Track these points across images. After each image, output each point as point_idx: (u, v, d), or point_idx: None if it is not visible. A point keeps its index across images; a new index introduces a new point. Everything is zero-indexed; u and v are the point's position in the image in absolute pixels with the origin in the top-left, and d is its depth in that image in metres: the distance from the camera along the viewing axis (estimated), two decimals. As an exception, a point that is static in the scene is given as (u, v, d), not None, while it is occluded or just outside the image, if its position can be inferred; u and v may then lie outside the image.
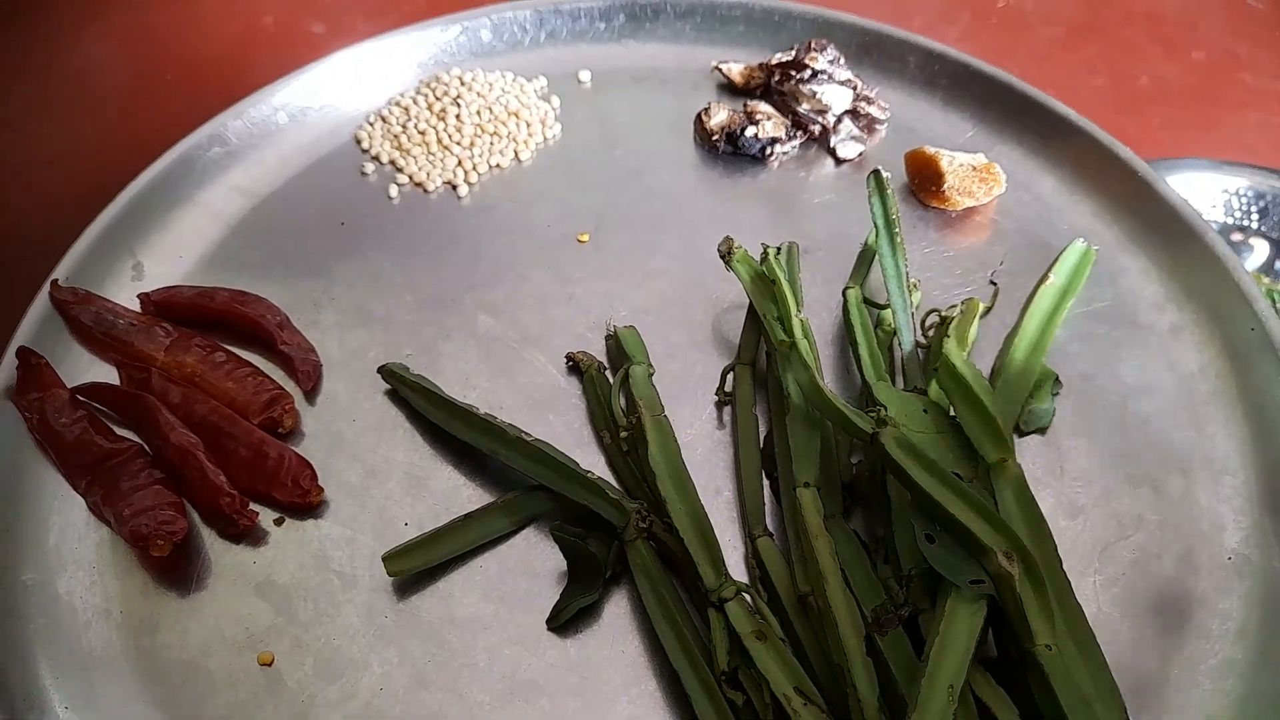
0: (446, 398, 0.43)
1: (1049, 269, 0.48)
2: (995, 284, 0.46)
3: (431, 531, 0.40)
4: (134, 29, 0.88)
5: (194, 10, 0.90)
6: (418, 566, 0.39)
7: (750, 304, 0.44)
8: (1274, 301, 0.84)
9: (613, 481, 0.42)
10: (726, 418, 0.44)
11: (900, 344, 0.44)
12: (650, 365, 0.44)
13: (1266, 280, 0.85)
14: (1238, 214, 0.88)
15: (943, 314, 0.45)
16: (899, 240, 0.44)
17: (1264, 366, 0.45)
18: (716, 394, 0.44)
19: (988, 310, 0.46)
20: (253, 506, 0.41)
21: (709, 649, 0.35)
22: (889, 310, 0.45)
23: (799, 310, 0.41)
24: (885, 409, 0.37)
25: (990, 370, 0.45)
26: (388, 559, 0.39)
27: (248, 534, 0.41)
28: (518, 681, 0.37)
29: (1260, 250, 0.89)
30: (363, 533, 0.41)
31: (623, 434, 0.42)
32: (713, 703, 0.34)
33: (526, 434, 0.41)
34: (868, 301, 0.46)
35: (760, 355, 0.45)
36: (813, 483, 0.38)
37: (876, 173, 0.45)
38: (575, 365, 0.46)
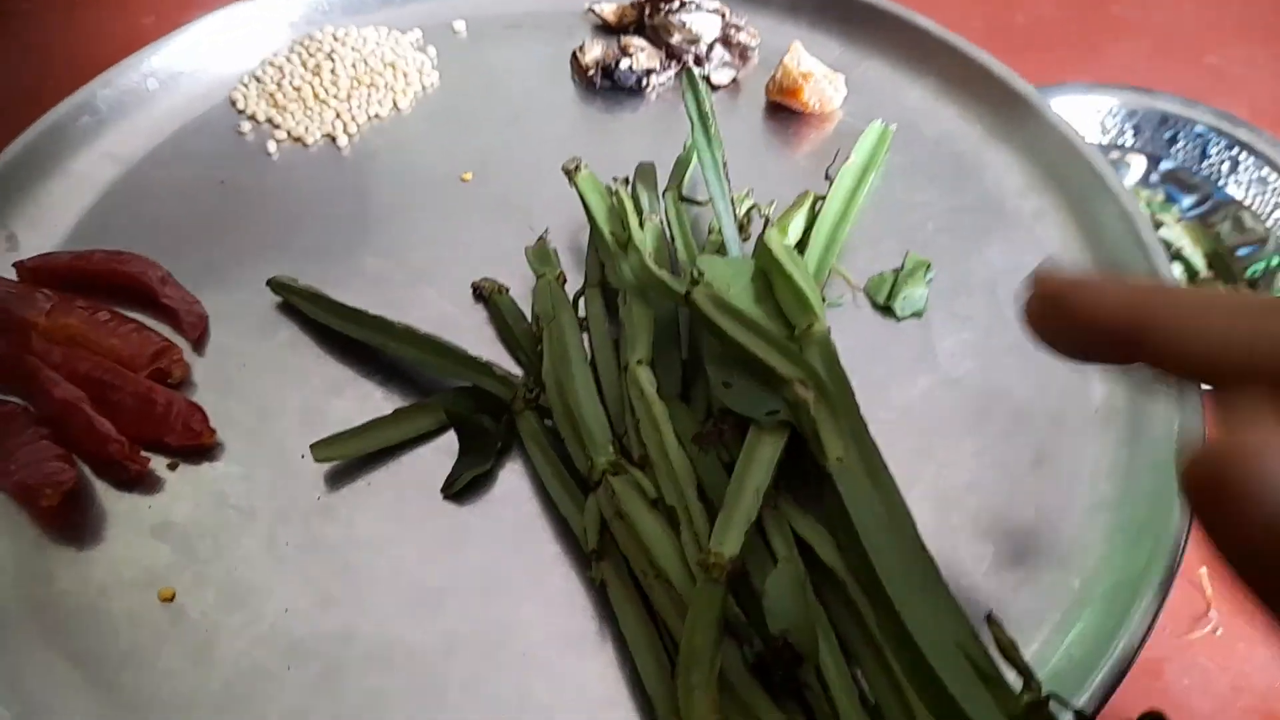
0: (335, 301, 0.44)
1: (853, 149, 0.50)
2: (830, 179, 0.48)
3: (360, 425, 0.41)
4: (15, 50, 0.86)
5: (72, 21, 0.88)
6: (346, 455, 0.40)
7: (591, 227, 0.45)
8: (1152, 211, 0.88)
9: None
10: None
11: (723, 234, 0.45)
12: (564, 274, 0.45)
13: (1145, 193, 0.89)
14: (1113, 133, 0.92)
15: (763, 210, 0.47)
16: (714, 133, 0.46)
17: (1118, 237, 0.47)
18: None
19: (819, 200, 0.48)
20: (144, 453, 0.41)
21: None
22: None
23: (641, 217, 0.43)
24: (702, 273, 0.39)
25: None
26: (315, 446, 0.40)
27: (141, 481, 0.41)
28: (425, 590, 0.38)
29: (1137, 165, 0.94)
30: (259, 468, 0.41)
31: (537, 349, 0.43)
32: (609, 558, 0.36)
33: (415, 326, 0.42)
34: (685, 199, 0.48)
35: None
36: (644, 359, 0.39)
37: (687, 69, 0.47)
38: (480, 293, 0.47)
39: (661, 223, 0.47)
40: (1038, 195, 0.51)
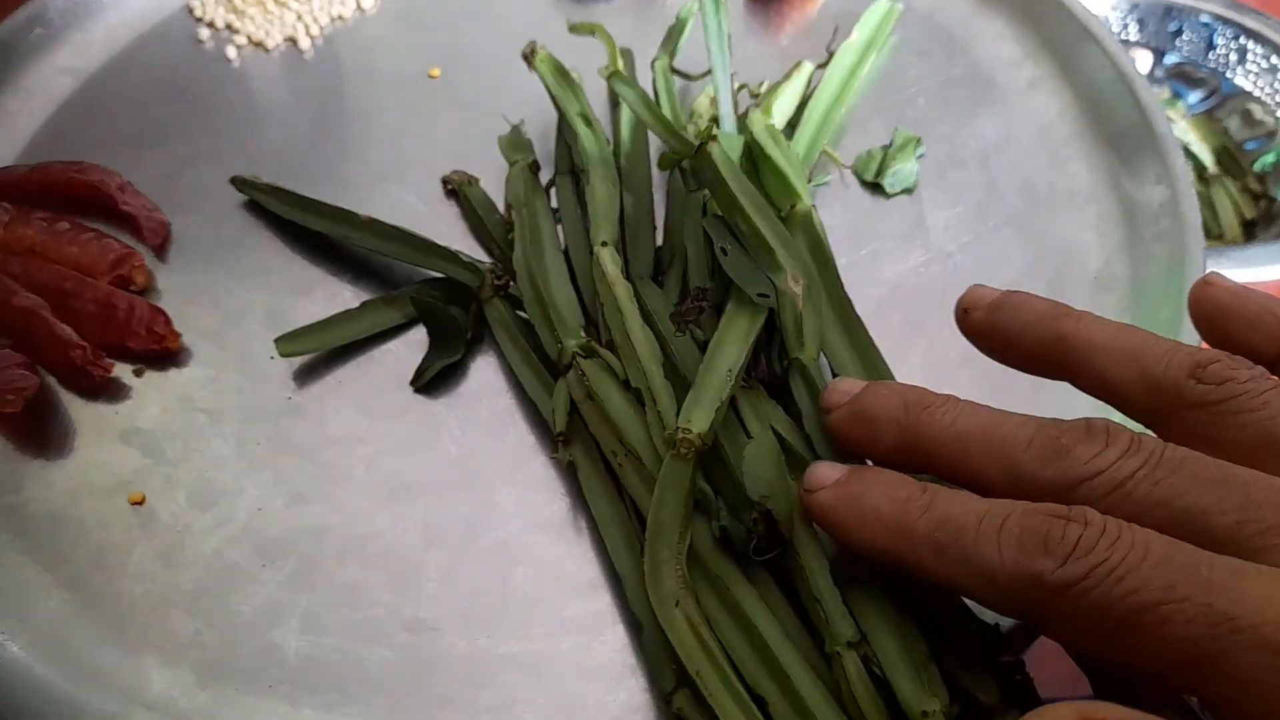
0: (298, 194, 0.43)
1: (853, 27, 0.47)
2: (830, 52, 0.46)
3: (326, 319, 0.40)
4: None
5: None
6: (311, 349, 0.39)
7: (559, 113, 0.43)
8: (1158, 104, 0.84)
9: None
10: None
11: (719, 102, 0.43)
12: (536, 162, 0.44)
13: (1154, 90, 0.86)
14: (1116, 27, 0.88)
15: (752, 90, 0.46)
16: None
17: (1116, 101, 0.45)
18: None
19: (818, 68, 0.46)
20: (108, 360, 0.40)
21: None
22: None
23: (619, 59, 0.42)
24: (716, 130, 0.37)
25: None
26: (280, 340, 0.39)
27: (107, 388, 0.39)
28: (398, 485, 0.37)
29: (1142, 60, 0.90)
30: (227, 371, 0.40)
31: (509, 237, 0.41)
32: (579, 440, 0.35)
33: (380, 220, 0.41)
34: (676, 71, 0.46)
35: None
36: (610, 242, 0.38)
37: None
38: (451, 188, 0.45)
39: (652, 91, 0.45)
40: (1033, 64, 0.48)
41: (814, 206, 0.38)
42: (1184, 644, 0.20)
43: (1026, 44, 0.49)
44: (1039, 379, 0.28)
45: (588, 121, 0.43)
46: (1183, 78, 0.89)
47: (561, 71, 0.44)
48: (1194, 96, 0.88)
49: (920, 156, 0.45)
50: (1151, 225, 0.41)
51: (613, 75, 0.42)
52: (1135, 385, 0.25)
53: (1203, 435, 0.23)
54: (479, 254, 0.43)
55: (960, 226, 0.43)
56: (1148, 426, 0.25)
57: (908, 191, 0.44)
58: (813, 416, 0.32)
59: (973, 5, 0.51)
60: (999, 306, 0.29)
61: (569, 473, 0.36)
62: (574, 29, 0.46)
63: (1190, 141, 0.86)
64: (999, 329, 0.28)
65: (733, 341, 0.33)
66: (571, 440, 0.35)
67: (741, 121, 0.44)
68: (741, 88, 0.47)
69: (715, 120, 0.44)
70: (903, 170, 0.44)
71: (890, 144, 0.46)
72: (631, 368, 0.34)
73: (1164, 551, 0.21)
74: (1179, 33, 0.88)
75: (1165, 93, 0.89)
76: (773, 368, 0.35)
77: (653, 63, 0.47)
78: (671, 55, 0.47)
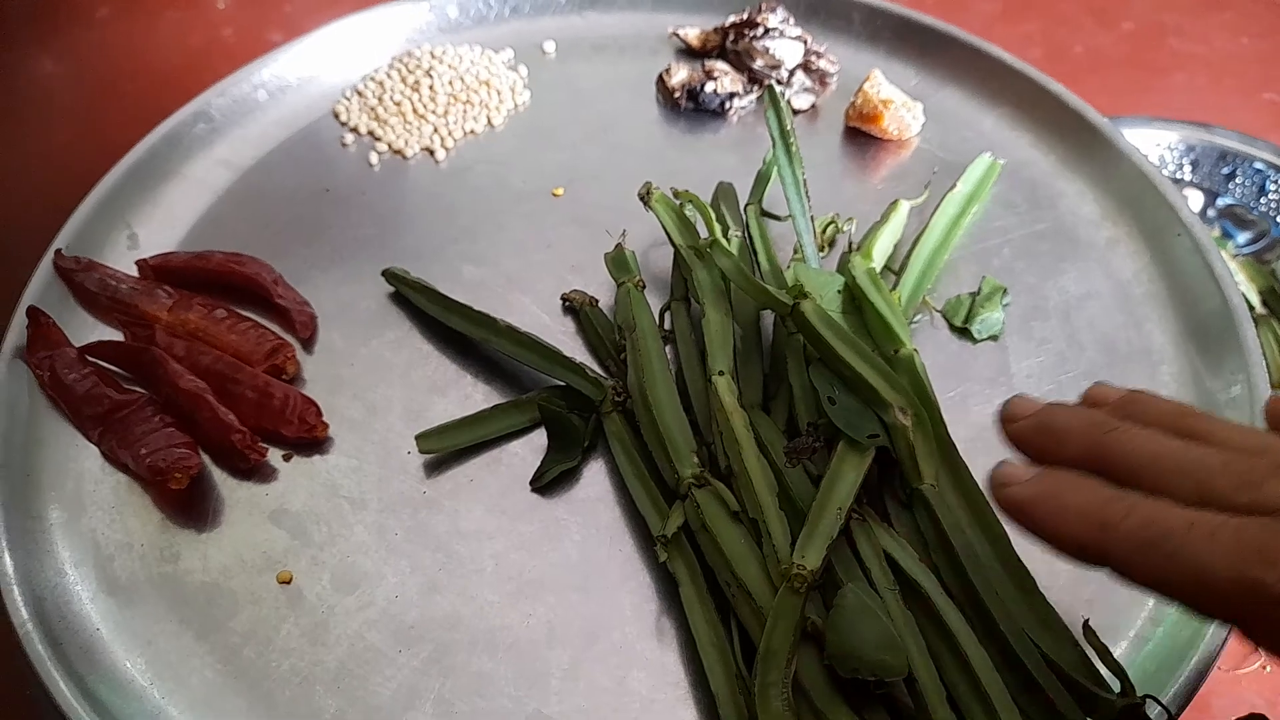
0: (444, 294, 0.48)
1: (957, 179, 0.52)
2: (928, 188, 0.51)
3: (461, 418, 0.44)
4: (92, 45, 0.90)
5: (152, 25, 0.92)
6: (447, 447, 0.43)
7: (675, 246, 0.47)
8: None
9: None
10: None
11: (802, 248, 0.47)
12: (642, 280, 0.47)
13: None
14: (1171, 167, 0.93)
15: (838, 223, 0.51)
16: (795, 150, 0.48)
17: (1191, 267, 0.49)
18: (660, 332, 0.46)
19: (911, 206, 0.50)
20: (262, 444, 0.43)
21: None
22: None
23: (722, 229, 0.46)
24: (804, 286, 0.41)
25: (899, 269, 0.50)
26: (420, 438, 0.43)
27: (258, 470, 0.43)
28: (524, 582, 0.40)
29: (1194, 200, 0.95)
30: (368, 462, 0.44)
31: (621, 357, 0.45)
32: (683, 558, 0.38)
33: (516, 325, 0.45)
34: (766, 213, 0.51)
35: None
36: (726, 371, 0.41)
37: (769, 88, 0.49)
38: (570, 305, 0.49)
39: (744, 236, 0.49)
40: (1111, 225, 0.52)
41: (915, 351, 0.41)
42: None
43: (1105, 205, 0.53)
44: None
45: (700, 255, 0.46)
46: (1233, 218, 0.93)
47: (675, 210, 0.48)
48: (1243, 237, 0.92)
49: (1006, 305, 0.49)
50: (1224, 392, 0.44)
51: (713, 245, 0.45)
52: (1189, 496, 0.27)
53: None
54: (596, 366, 0.47)
55: (1043, 375, 0.46)
56: None
57: (994, 338, 0.48)
58: (936, 543, 0.36)
59: (1056, 165, 0.55)
60: (1042, 416, 0.31)
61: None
62: (675, 195, 0.50)
63: (1239, 281, 0.90)
64: (1043, 438, 0.31)
65: (844, 480, 0.37)
66: (672, 550, 0.38)
67: (843, 260, 0.48)
68: (831, 223, 0.51)
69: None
70: (990, 318, 0.48)
71: (979, 291, 0.50)
72: (747, 497, 0.37)
73: None
74: (1232, 176, 0.92)
75: (1215, 231, 0.93)
76: (896, 495, 0.38)
77: (745, 207, 0.51)
78: (760, 200, 0.51)
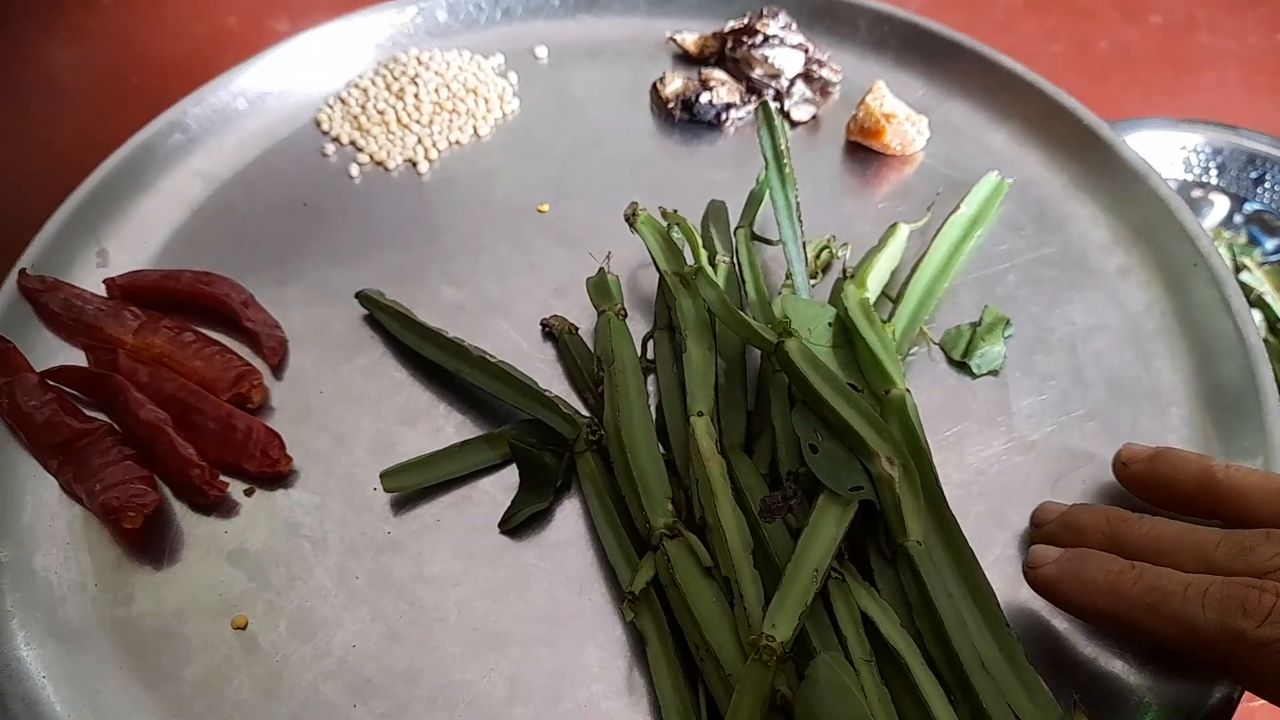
0: (418, 320, 0.46)
1: (961, 200, 0.49)
2: (930, 210, 0.48)
3: (427, 454, 0.42)
4: (99, 34, 0.88)
5: (158, 14, 0.90)
6: (413, 485, 0.41)
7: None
8: (1233, 254, 0.85)
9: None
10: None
11: (793, 274, 0.45)
12: (624, 308, 0.45)
13: (1227, 234, 0.87)
14: (1196, 170, 0.89)
15: (833, 247, 0.48)
16: (788, 173, 0.46)
17: (1206, 301, 0.46)
18: (640, 360, 0.44)
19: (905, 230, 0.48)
20: (223, 478, 0.42)
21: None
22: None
23: (705, 256, 0.43)
24: (790, 323, 0.39)
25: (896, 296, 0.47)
26: (385, 475, 0.41)
27: (219, 505, 0.42)
28: (489, 633, 0.38)
29: (1220, 205, 0.91)
30: (332, 499, 0.42)
31: (599, 389, 0.43)
32: (651, 614, 0.36)
33: (489, 355, 0.43)
34: (757, 237, 0.48)
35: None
36: (706, 412, 0.39)
37: (764, 104, 0.47)
38: (550, 331, 0.47)
39: (732, 262, 0.47)
40: (1124, 252, 0.49)
41: (908, 391, 0.39)
42: None
43: (1118, 230, 0.50)
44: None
45: (686, 283, 0.44)
46: (1261, 225, 0.89)
47: (662, 232, 0.46)
48: (1271, 244, 0.89)
49: (1009, 337, 0.47)
50: (1238, 441, 0.41)
51: (698, 273, 0.43)
52: None
53: None
54: (573, 397, 0.45)
55: (1044, 414, 0.44)
56: None
57: (994, 373, 0.45)
58: (920, 605, 0.34)
59: (1067, 184, 0.52)
60: (1157, 458, 0.37)
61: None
62: (664, 215, 0.47)
63: (1265, 291, 0.86)
64: (1158, 477, 0.37)
65: (821, 539, 0.35)
66: (641, 607, 0.36)
67: (837, 287, 0.46)
68: (825, 247, 0.49)
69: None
70: (991, 352, 0.46)
71: (980, 321, 0.47)
72: (720, 552, 0.35)
73: None
74: (1260, 180, 0.89)
75: (1242, 238, 0.89)
76: (880, 549, 0.36)
77: (735, 230, 0.48)
78: (751, 223, 0.49)
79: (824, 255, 0.49)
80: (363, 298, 0.48)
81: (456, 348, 0.44)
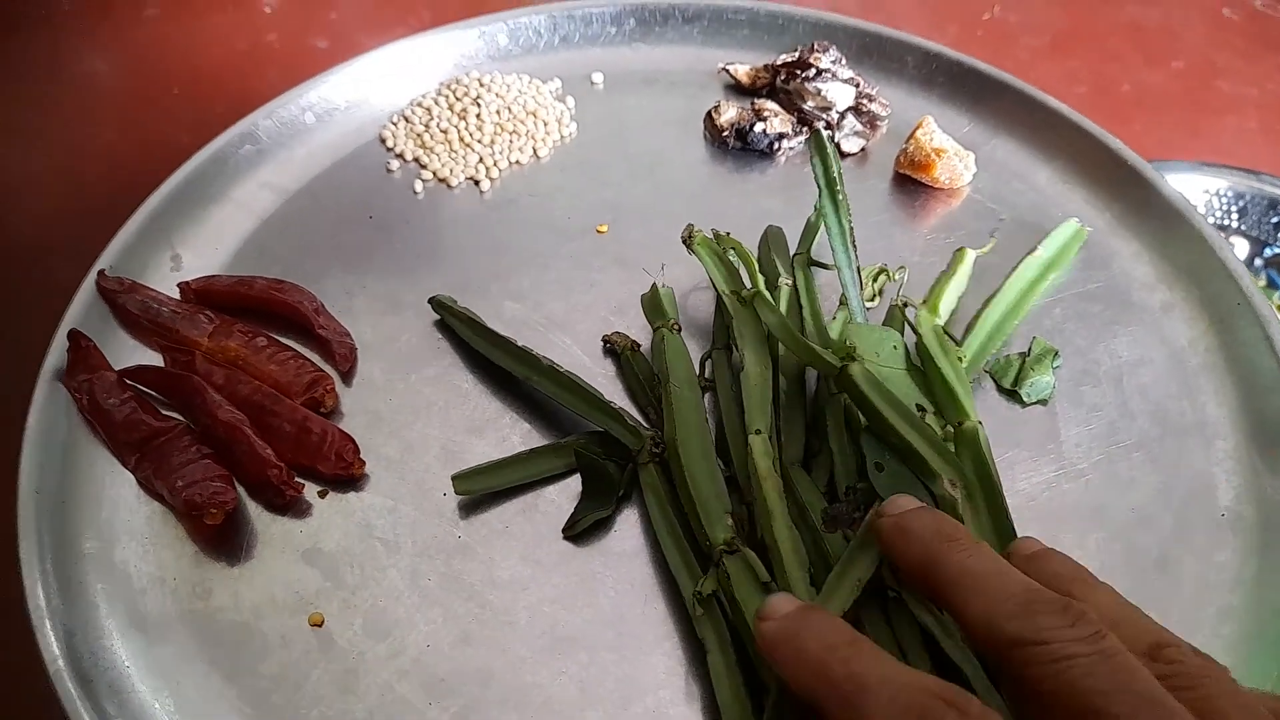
0: (489, 327, 0.47)
1: (1039, 243, 0.51)
2: (994, 237, 0.50)
3: (497, 460, 0.43)
4: (139, 44, 0.90)
5: (198, 27, 0.92)
6: (482, 489, 0.43)
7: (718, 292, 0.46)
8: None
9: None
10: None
11: (848, 299, 0.46)
12: (678, 323, 0.46)
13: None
14: (1219, 214, 0.91)
15: (890, 271, 0.50)
16: (842, 199, 0.47)
17: (1250, 338, 0.47)
18: (699, 380, 0.46)
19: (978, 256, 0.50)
20: (298, 479, 0.43)
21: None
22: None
23: (768, 278, 0.45)
24: (855, 348, 0.40)
25: (965, 327, 0.49)
26: (456, 478, 0.42)
27: (293, 506, 0.43)
28: (557, 637, 0.39)
29: (1241, 248, 0.93)
30: (404, 503, 0.43)
31: (660, 405, 0.44)
32: (713, 624, 0.37)
33: (558, 364, 0.45)
34: (814, 262, 0.50)
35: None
36: (764, 430, 0.40)
37: (816, 133, 0.48)
38: (611, 347, 0.48)
39: (794, 286, 0.49)
40: (1167, 289, 0.51)
41: (980, 424, 0.40)
42: None
43: (1161, 267, 0.52)
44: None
45: (743, 302, 0.46)
46: (1280, 269, 0.91)
47: (718, 254, 0.47)
48: (1290, 287, 0.90)
49: (1057, 368, 0.48)
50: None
51: (755, 297, 0.44)
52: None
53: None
54: (635, 412, 0.46)
55: (1093, 444, 0.45)
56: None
57: (1043, 403, 0.47)
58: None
59: (1111, 222, 0.54)
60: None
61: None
62: (718, 238, 0.49)
63: (1283, 332, 0.88)
64: (896, 532, 0.33)
65: (870, 549, 0.35)
66: (703, 617, 0.37)
67: (892, 312, 0.47)
68: (882, 271, 0.51)
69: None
70: (1040, 381, 0.47)
71: (1028, 352, 0.48)
72: (777, 569, 0.36)
73: None
74: (1281, 225, 0.91)
75: (1262, 280, 0.91)
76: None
77: (792, 258, 0.50)
78: (808, 250, 0.50)
79: (880, 280, 0.51)
80: (436, 303, 0.49)
81: (527, 355, 0.46)
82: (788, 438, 0.43)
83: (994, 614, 0.27)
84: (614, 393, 0.47)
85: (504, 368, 0.46)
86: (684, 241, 0.47)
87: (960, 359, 0.44)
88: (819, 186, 0.49)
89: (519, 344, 0.46)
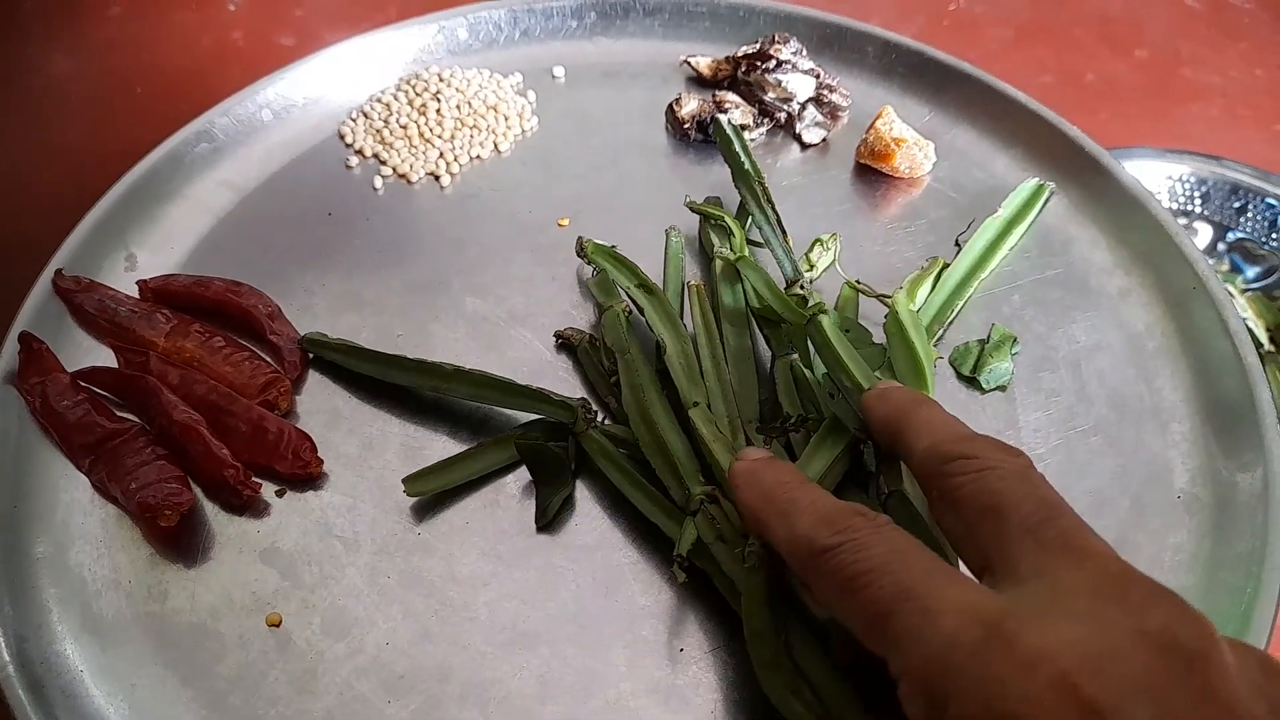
0: (371, 350, 0.46)
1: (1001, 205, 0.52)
2: (959, 245, 0.50)
3: (446, 459, 0.43)
4: (103, 43, 0.89)
5: (163, 25, 0.91)
6: (434, 488, 0.42)
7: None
8: (1219, 281, 0.87)
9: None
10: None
11: (782, 272, 0.48)
12: (626, 304, 0.47)
13: (1211, 262, 0.89)
14: (1181, 199, 0.92)
15: (824, 239, 0.52)
16: (751, 172, 0.50)
17: (1206, 323, 0.48)
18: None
19: (945, 266, 0.50)
20: (255, 479, 0.43)
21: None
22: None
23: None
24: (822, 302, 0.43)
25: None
26: (407, 481, 0.42)
27: (250, 506, 0.42)
28: (518, 632, 0.39)
29: (1203, 233, 0.94)
30: (363, 500, 0.43)
31: (613, 380, 0.44)
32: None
33: (463, 366, 0.44)
34: (750, 241, 0.50)
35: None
36: (701, 400, 0.42)
37: (715, 121, 0.52)
38: (565, 342, 0.48)
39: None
40: (1124, 274, 0.51)
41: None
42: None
43: (1118, 253, 0.52)
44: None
45: (649, 290, 0.46)
46: (1243, 253, 0.92)
47: (614, 256, 0.48)
48: (1253, 272, 0.91)
49: (1015, 355, 0.48)
50: (1235, 457, 0.43)
51: (740, 260, 0.46)
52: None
53: None
54: (594, 403, 0.46)
55: (1051, 429, 0.46)
56: None
57: (1001, 389, 0.47)
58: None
59: (1069, 209, 0.54)
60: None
61: (679, 640, 0.38)
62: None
63: (1247, 317, 0.89)
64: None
65: (817, 460, 0.38)
66: (689, 566, 0.38)
67: (852, 288, 0.48)
68: (815, 243, 0.52)
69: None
70: (999, 368, 0.47)
71: (987, 339, 0.49)
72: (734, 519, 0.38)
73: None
74: (1243, 210, 0.92)
75: (1224, 265, 0.92)
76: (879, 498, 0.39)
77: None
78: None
79: (815, 251, 0.51)
80: (307, 342, 0.48)
81: (426, 366, 0.45)
82: (742, 399, 0.43)
83: (940, 441, 0.32)
84: (573, 386, 0.47)
85: (407, 386, 0.46)
86: (578, 254, 0.48)
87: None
88: (733, 169, 0.51)
89: (414, 358, 0.45)
